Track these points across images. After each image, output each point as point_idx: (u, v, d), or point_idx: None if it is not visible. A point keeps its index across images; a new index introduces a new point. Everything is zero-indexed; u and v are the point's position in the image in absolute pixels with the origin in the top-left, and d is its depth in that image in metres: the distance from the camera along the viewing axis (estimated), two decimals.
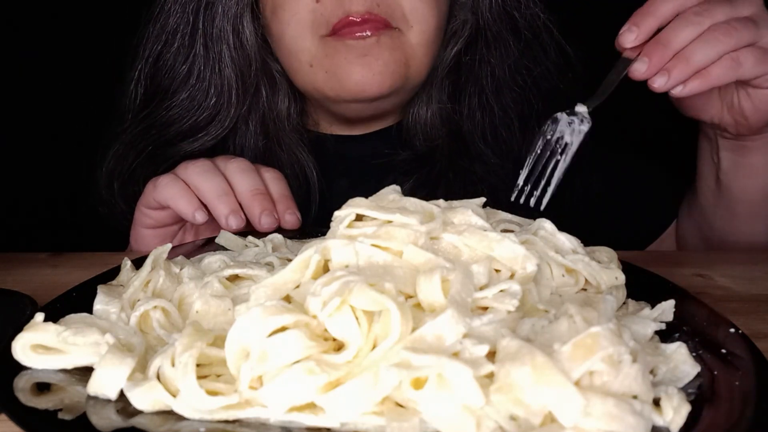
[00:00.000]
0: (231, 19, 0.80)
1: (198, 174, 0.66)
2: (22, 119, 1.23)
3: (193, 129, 0.82)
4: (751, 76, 0.61)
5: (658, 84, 0.59)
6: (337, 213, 0.45)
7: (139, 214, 0.70)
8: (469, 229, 0.44)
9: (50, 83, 1.23)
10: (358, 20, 0.73)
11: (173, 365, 0.35)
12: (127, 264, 0.51)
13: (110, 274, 0.51)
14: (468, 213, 0.45)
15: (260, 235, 0.62)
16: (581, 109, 0.61)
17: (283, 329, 0.36)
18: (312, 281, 0.40)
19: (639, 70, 0.59)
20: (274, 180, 0.69)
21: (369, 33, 0.73)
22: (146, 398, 0.34)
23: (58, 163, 0.96)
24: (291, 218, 0.66)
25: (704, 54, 0.58)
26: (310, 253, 0.41)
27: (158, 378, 0.36)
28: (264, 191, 0.67)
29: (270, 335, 0.35)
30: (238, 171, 0.67)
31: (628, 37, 0.60)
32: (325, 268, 0.42)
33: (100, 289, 0.46)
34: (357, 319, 0.36)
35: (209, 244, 0.61)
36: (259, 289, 0.40)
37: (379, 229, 0.42)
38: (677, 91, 0.59)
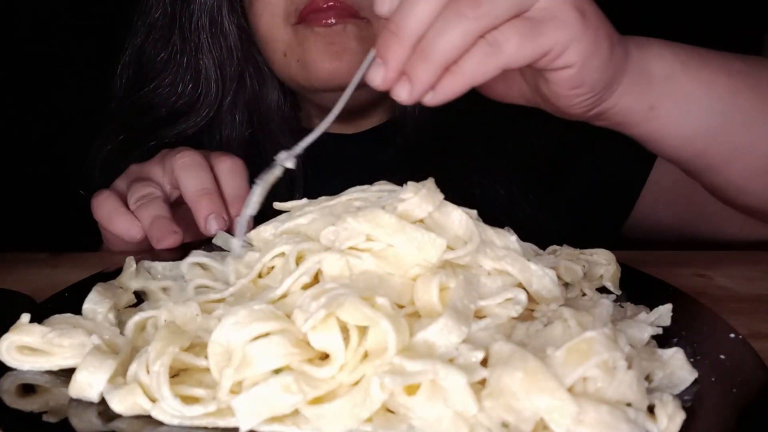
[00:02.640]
0: (208, 11, 0.82)
1: (134, 194, 0.64)
2: (22, 119, 1.23)
3: (171, 116, 0.83)
4: (522, 62, 0.45)
5: (403, 96, 0.45)
6: (354, 225, 0.41)
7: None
8: (510, 255, 0.42)
9: (50, 81, 1.23)
10: (323, 6, 0.73)
11: (148, 372, 0.34)
12: (132, 266, 0.50)
13: (100, 276, 0.50)
14: (512, 238, 0.43)
15: None
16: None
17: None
18: (301, 292, 0.39)
19: (374, 79, 0.46)
20: (230, 173, 0.65)
21: (334, 20, 0.73)
22: (124, 402, 0.34)
23: (59, 164, 0.97)
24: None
25: (447, 40, 0.43)
26: (306, 266, 0.40)
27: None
28: (212, 191, 0.63)
29: (254, 340, 0.35)
30: (184, 168, 0.64)
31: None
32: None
33: (95, 288, 0.45)
34: (348, 331, 0.35)
35: (206, 245, 0.60)
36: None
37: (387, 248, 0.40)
38: (429, 100, 0.45)
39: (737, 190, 0.64)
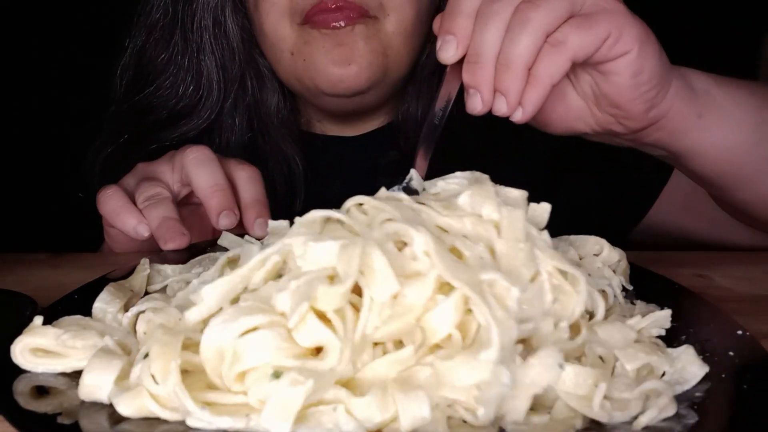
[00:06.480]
0: (211, 11, 0.81)
1: (142, 193, 0.63)
2: (22, 119, 1.22)
3: (172, 118, 0.82)
4: (587, 52, 0.50)
5: (503, 109, 0.50)
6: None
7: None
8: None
9: (50, 81, 1.23)
10: (332, 6, 0.72)
11: (155, 382, 0.34)
12: (146, 269, 0.50)
13: (105, 280, 0.50)
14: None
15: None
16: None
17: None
18: (267, 284, 0.38)
19: (475, 106, 0.50)
20: (248, 180, 0.66)
21: (343, 23, 0.72)
22: (131, 405, 0.34)
23: (59, 164, 0.96)
24: (260, 227, 0.63)
25: (521, 45, 0.48)
26: (269, 251, 0.39)
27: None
28: (225, 187, 0.63)
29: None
30: (196, 163, 0.64)
31: (448, 52, 0.50)
32: None
33: (107, 288, 0.45)
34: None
35: (212, 246, 0.60)
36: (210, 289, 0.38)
37: None
38: (518, 117, 0.50)
39: (765, 204, 0.66)
